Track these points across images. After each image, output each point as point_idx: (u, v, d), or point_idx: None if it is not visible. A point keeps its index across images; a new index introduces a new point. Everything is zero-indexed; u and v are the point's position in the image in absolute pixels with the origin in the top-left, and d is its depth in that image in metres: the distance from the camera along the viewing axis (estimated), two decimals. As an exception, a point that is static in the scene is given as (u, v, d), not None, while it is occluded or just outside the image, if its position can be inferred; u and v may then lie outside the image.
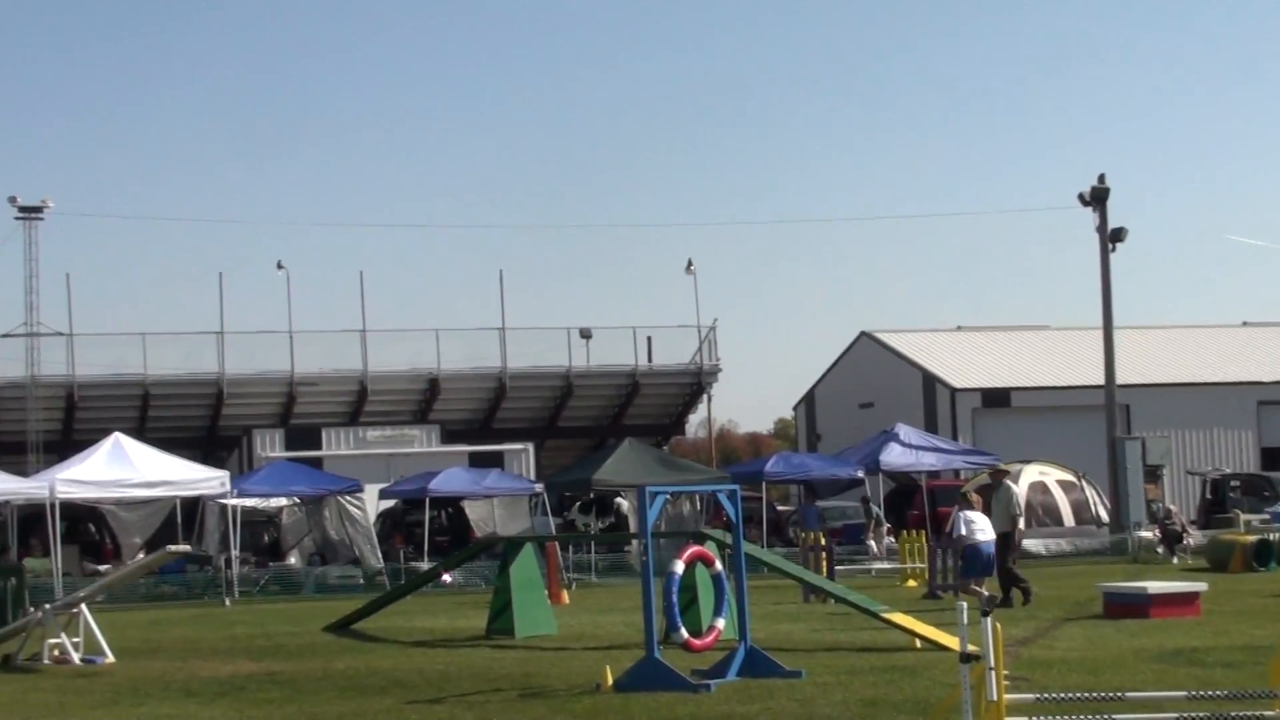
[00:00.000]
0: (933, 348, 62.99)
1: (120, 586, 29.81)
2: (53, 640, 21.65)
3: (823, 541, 32.98)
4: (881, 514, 42.60)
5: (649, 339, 57.87)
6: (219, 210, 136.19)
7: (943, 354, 62.34)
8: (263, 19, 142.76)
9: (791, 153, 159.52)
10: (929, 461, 44.65)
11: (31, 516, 37.29)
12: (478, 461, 48.44)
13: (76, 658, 21.44)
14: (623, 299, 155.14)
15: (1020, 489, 42.17)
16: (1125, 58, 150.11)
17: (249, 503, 40.11)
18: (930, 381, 60.20)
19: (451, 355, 55.43)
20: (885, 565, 38.16)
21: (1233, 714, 12.61)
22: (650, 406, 58.76)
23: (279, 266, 54.79)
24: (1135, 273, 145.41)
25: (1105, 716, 12.81)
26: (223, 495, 37.01)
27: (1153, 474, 48.34)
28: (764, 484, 43.46)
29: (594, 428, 58.51)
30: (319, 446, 51.03)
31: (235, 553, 37.21)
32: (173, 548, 24.82)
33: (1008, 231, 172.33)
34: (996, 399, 59.39)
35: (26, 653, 21.86)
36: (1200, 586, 24.41)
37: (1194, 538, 41.11)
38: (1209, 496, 51.14)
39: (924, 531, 36.07)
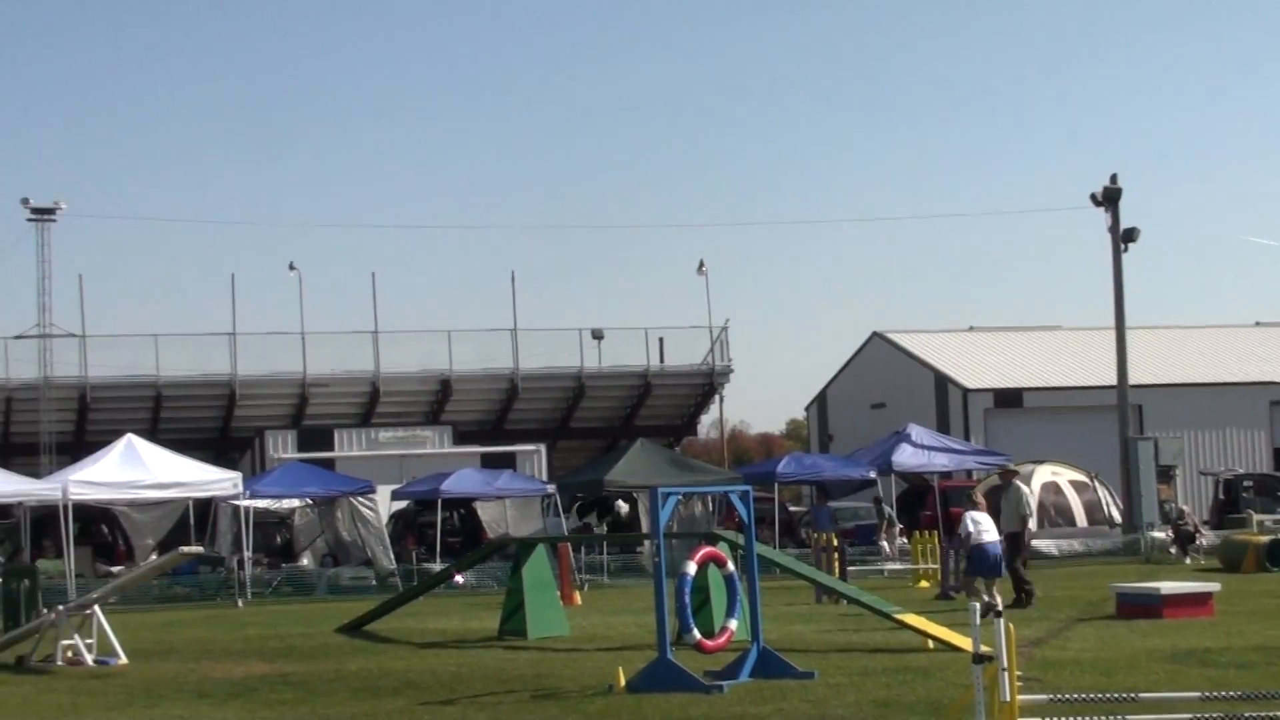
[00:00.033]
0: (945, 348, 62.95)
1: (133, 588, 29.85)
2: (66, 641, 21.69)
3: (835, 542, 32.96)
4: (894, 515, 42.61)
5: (661, 340, 57.91)
6: (231, 212, 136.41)
7: (955, 354, 62.30)
8: (272, 21, 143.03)
9: (803, 152, 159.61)
10: (941, 462, 44.59)
11: (44, 518, 37.32)
12: (490, 462, 48.47)
13: (90, 659, 21.47)
14: (634, 300, 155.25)
15: (1033, 489, 42.27)
16: (1137, 57, 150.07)
17: (261, 504, 40.12)
18: (942, 382, 60.16)
19: (463, 356, 55.52)
20: (897, 566, 38.13)
21: (1246, 715, 12.60)
22: (662, 407, 58.77)
23: (291, 268, 54.90)
24: (1147, 273, 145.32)
25: (1118, 717, 12.81)
26: (235, 496, 37.05)
27: (1165, 474, 48.26)
28: (776, 485, 43.42)
29: (606, 428, 58.53)
30: (331, 448, 51.08)
31: (248, 554, 37.25)
32: (185, 549, 24.86)
33: (1020, 232, 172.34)
34: (1009, 399, 59.34)
35: (40, 654, 21.90)
36: (1213, 587, 24.39)
37: (1207, 538, 41.07)
38: (1222, 497, 51.08)
39: (936, 532, 36.03)
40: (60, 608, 22.52)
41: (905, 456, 43.82)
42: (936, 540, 34.16)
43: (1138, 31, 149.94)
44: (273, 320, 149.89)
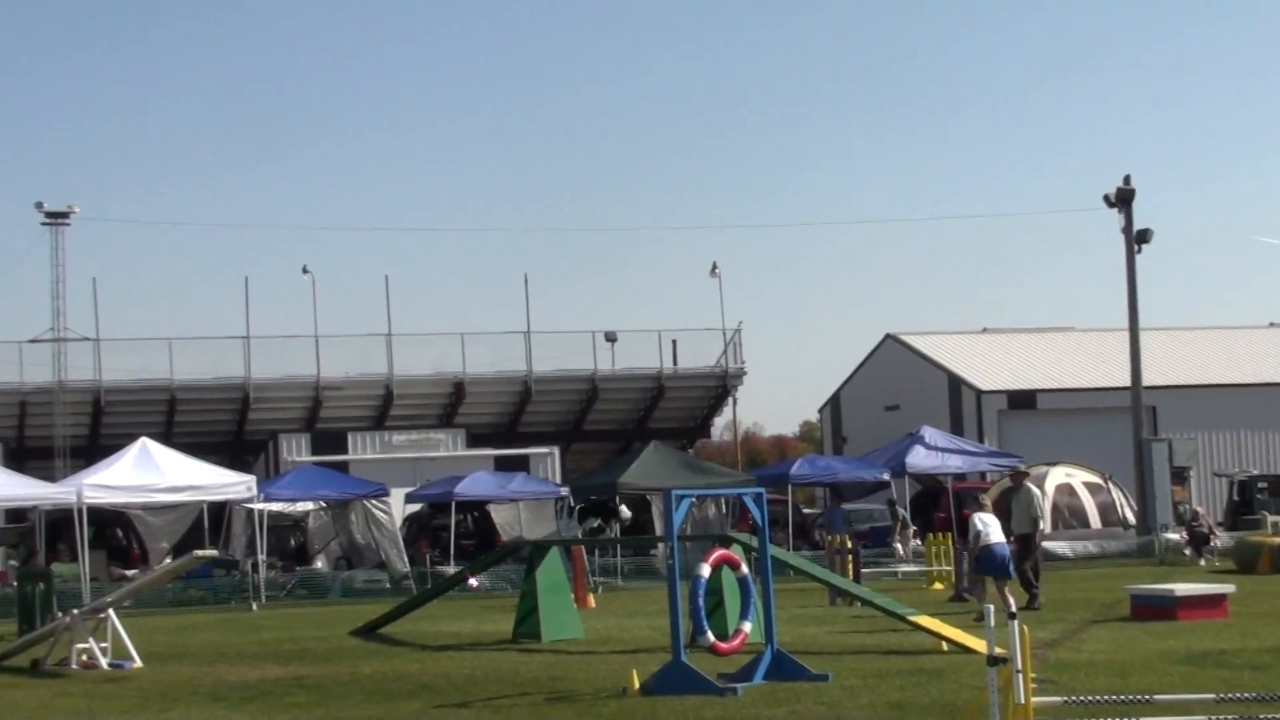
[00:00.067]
0: (958, 350, 62.90)
1: (147, 591, 29.89)
2: (81, 645, 21.72)
3: (849, 544, 32.97)
4: (907, 516, 42.59)
5: (674, 342, 57.87)
6: (245, 215, 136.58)
7: (968, 356, 62.25)
8: (286, 25, 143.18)
9: (816, 154, 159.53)
10: (955, 464, 44.55)
11: (59, 521, 37.42)
12: (503, 465, 48.46)
13: (104, 662, 21.50)
14: (648, 302, 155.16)
15: (1047, 491, 42.28)
16: (1150, 59, 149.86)
17: (275, 507, 40.18)
18: (956, 383, 60.10)
19: (477, 359, 55.49)
20: (911, 568, 38.14)
21: (1261, 716, 12.59)
22: (675, 409, 58.75)
23: (304, 271, 54.89)
24: (1161, 274, 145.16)
25: (1133, 719, 12.79)
26: (249, 499, 37.11)
27: (1179, 475, 48.20)
28: (790, 487, 43.42)
29: (619, 431, 58.52)
30: (345, 450, 51.08)
31: (262, 557, 37.30)
32: (199, 552, 24.93)
33: (1033, 233, 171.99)
34: (1022, 401, 59.29)
35: (55, 658, 21.94)
36: (1227, 588, 24.36)
37: (1221, 539, 41.02)
38: (1236, 498, 51.02)
39: (950, 534, 36.01)
40: (75, 611, 22.56)
41: (919, 458, 43.78)
42: (950, 542, 34.13)
43: (1150, 33, 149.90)
44: (286, 323, 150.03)
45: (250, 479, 37.55)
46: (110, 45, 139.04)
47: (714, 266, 57.24)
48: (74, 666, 21.45)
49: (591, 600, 32.00)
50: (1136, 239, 47.26)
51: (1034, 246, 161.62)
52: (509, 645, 23.16)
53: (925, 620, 20.33)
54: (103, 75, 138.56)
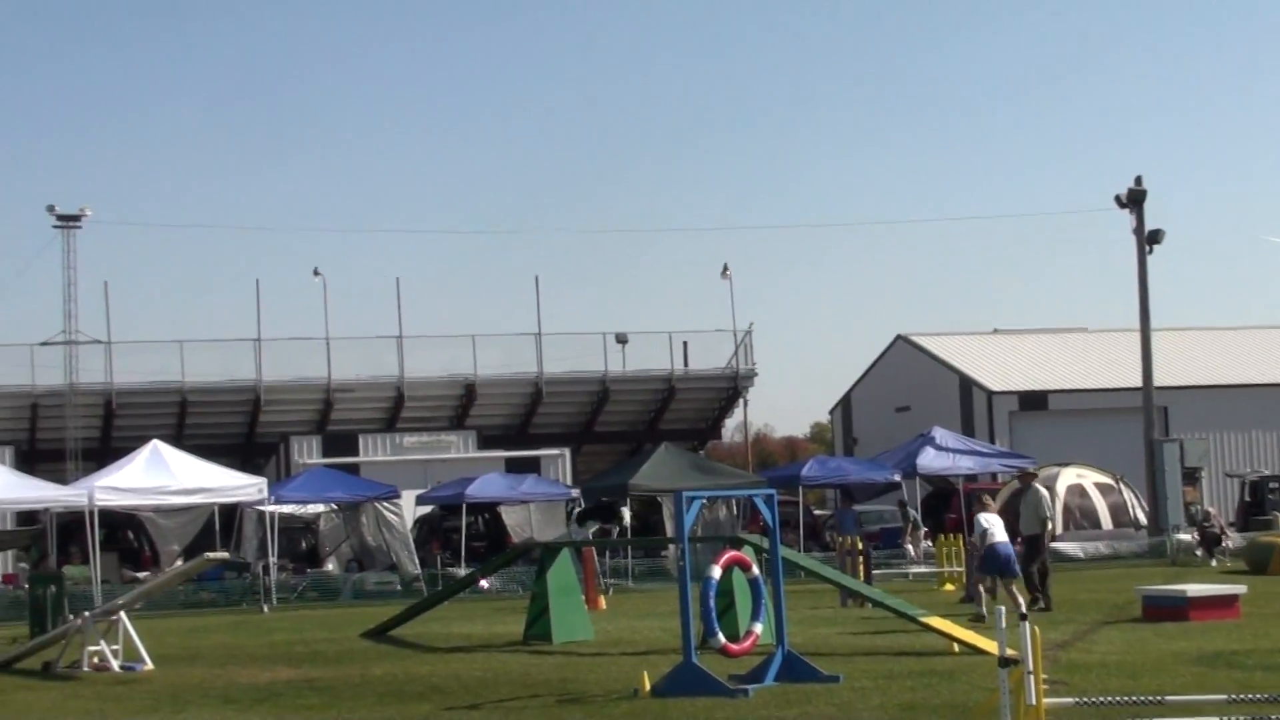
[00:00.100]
0: (969, 351, 62.86)
1: (159, 593, 29.92)
2: (92, 647, 21.75)
3: (860, 545, 32.95)
4: (919, 518, 42.54)
5: (685, 344, 57.83)
6: (255, 218, 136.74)
7: (979, 357, 62.21)
8: (297, 26, 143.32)
9: (827, 155, 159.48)
10: (966, 465, 44.49)
11: (71, 524, 37.48)
12: (514, 467, 48.46)
13: (116, 665, 21.53)
14: (658, 304, 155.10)
15: (1058, 492, 42.24)
16: (1161, 59, 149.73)
17: (286, 509, 40.23)
18: (967, 384, 60.06)
19: (488, 361, 55.48)
20: (922, 569, 38.09)
21: (1273, 717, 12.58)
22: (686, 411, 58.74)
23: (315, 273, 54.87)
24: (1172, 274, 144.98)
25: (1145, 720, 12.78)
26: (260, 502, 37.15)
27: (1191, 476, 48.14)
28: (800, 488, 43.39)
29: (630, 432, 58.51)
30: (356, 453, 51.12)
31: (273, 559, 37.32)
32: (211, 555, 24.93)
33: (1044, 234, 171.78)
34: (1033, 402, 59.24)
35: (66, 660, 21.97)
36: (1239, 589, 24.32)
37: (1232, 540, 40.96)
38: (1248, 498, 50.95)
39: (961, 535, 35.96)
40: (86, 613, 22.60)
41: (930, 459, 43.75)
42: (961, 543, 34.09)
43: (1161, 33, 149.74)
44: (297, 325, 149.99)
45: (261, 481, 37.57)
46: (121, 49, 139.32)
47: (725, 268, 57.23)
48: (86, 669, 21.47)
49: (602, 602, 32.02)
50: (1148, 239, 47.23)
51: (1045, 247, 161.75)
52: (520, 647, 23.17)
53: (936, 621, 20.32)
54: (113, 79, 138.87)
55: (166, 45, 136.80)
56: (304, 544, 43.88)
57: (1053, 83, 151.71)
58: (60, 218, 50.53)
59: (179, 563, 36.70)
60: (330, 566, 41.89)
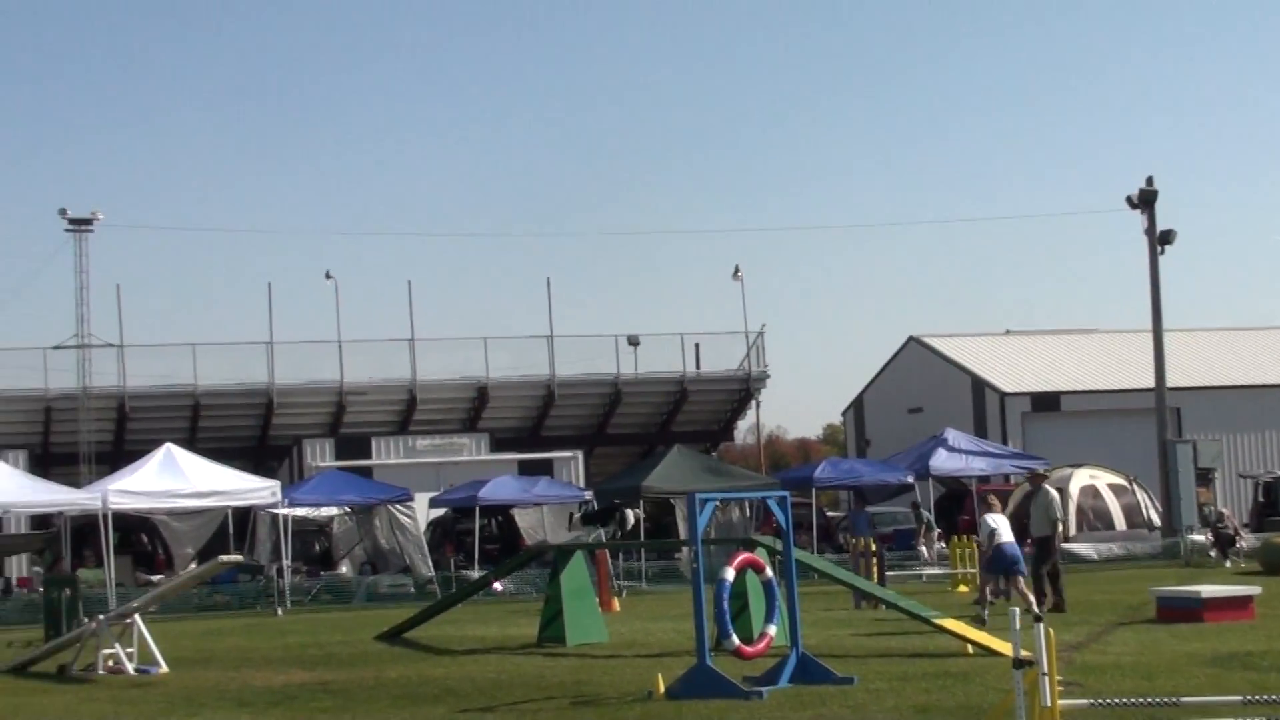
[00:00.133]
0: (981, 352, 62.79)
1: (173, 597, 29.96)
2: (107, 650, 21.79)
3: (873, 547, 32.93)
4: (932, 519, 42.52)
5: (697, 345, 57.88)
6: (267, 221, 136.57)
7: (991, 358, 62.14)
8: (309, 30, 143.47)
9: (838, 156, 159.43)
10: (979, 466, 44.48)
11: (84, 527, 37.53)
12: (527, 469, 48.49)
13: (130, 668, 21.56)
14: (670, 306, 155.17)
15: (1071, 493, 42.21)
16: (1172, 59, 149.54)
17: (300, 512, 40.24)
18: (979, 386, 60.00)
19: (500, 363, 55.55)
20: (936, 570, 38.06)
21: (1289, 719, 12.55)
22: (699, 413, 58.76)
23: (327, 276, 54.96)
24: (1184, 275, 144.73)
25: (1160, 722, 12.77)
26: (274, 505, 37.19)
27: (1204, 477, 48.07)
28: (813, 490, 43.36)
29: (642, 435, 58.53)
30: (369, 455, 51.19)
31: (287, 562, 37.35)
32: (225, 558, 24.97)
33: (1056, 235, 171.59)
34: (1046, 403, 59.17)
35: (81, 663, 22.01)
36: (1254, 590, 24.27)
37: (1246, 541, 40.91)
38: (1261, 499, 50.85)
39: (974, 536, 35.94)
40: (101, 617, 22.63)
41: (942, 461, 43.74)
42: (975, 545, 34.05)
43: (1172, 33, 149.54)
44: (310, 329, 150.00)
45: (275, 484, 37.65)
46: (133, 53, 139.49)
47: (736, 269, 57.26)
48: (100, 672, 21.51)
49: (616, 604, 32.01)
50: (1159, 240, 47.16)
51: (1057, 248, 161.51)
52: (534, 649, 23.17)
53: (950, 623, 20.31)
54: (125, 82, 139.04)
55: (178, 49, 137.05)
56: (317, 547, 43.90)
57: (1064, 83, 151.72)
58: (72, 221, 50.62)
59: (193, 566, 36.76)
60: (344, 569, 41.92)
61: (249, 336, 57.46)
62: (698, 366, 57.67)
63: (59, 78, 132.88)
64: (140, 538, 41.78)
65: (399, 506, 39.85)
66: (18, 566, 44.40)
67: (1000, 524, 25.46)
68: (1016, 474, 45.30)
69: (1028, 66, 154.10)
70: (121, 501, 34.62)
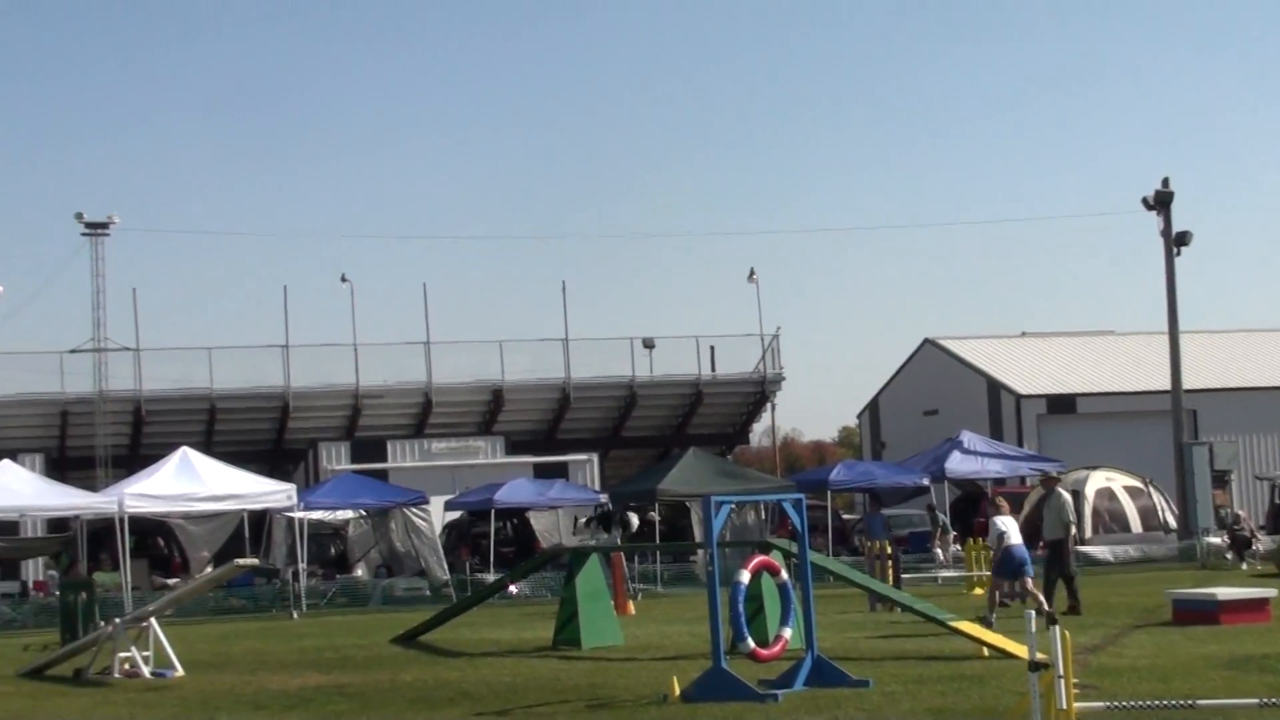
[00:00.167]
0: (997, 354, 62.73)
1: (189, 600, 29.99)
2: (123, 654, 21.82)
3: (888, 550, 32.92)
4: (947, 521, 42.46)
5: (712, 348, 57.88)
6: (283, 224, 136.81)
7: (1007, 360, 62.07)
8: (324, 33, 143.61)
9: (853, 158, 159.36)
10: (994, 468, 44.46)
11: (100, 531, 37.60)
12: (542, 472, 48.48)
13: (146, 671, 21.59)
14: (685, 309, 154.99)
15: (1087, 495, 42.15)
16: (1188, 60, 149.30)
17: (315, 515, 40.30)
18: (995, 388, 59.93)
19: (515, 366, 55.58)
20: (951, 573, 38.01)
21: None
22: (714, 416, 58.76)
23: (343, 279, 55.00)
24: (1200, 277, 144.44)
25: (1176, 724, 12.75)
26: (289, 508, 37.25)
27: (1220, 479, 47.97)
28: (829, 492, 43.33)
29: (658, 437, 58.53)
30: (384, 459, 51.25)
31: (302, 565, 37.40)
32: (240, 561, 24.98)
33: (1072, 236, 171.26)
34: (1062, 405, 59.10)
35: (97, 666, 22.04)
36: (1270, 592, 24.21)
37: (1263, 543, 40.83)
38: (1277, 501, 50.73)
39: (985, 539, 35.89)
40: (117, 620, 22.68)
41: (958, 463, 43.71)
42: (988, 548, 34.01)
43: (1188, 34, 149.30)
44: (325, 332, 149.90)
45: (290, 487, 37.70)
46: (149, 57, 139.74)
47: (751, 272, 57.24)
48: (116, 675, 21.54)
49: (631, 607, 32.01)
50: (1175, 241, 47.07)
51: (1072, 250, 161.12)
52: (549, 652, 23.18)
53: (966, 625, 20.29)
54: (141, 86, 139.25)
55: (194, 52, 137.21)
56: (333, 550, 43.96)
57: (1081, 84, 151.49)
58: (88, 225, 50.69)
59: (209, 569, 36.78)
60: (359, 572, 41.98)
61: (264, 340, 57.58)
62: (713, 369, 57.67)
63: (75, 83, 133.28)
64: (156, 541, 41.84)
65: (414, 509, 39.88)
66: (34, 570, 44.49)
67: (1009, 526, 25.45)
68: (1032, 476, 45.26)
69: (1044, 68, 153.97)
70: (137, 505, 34.69)
